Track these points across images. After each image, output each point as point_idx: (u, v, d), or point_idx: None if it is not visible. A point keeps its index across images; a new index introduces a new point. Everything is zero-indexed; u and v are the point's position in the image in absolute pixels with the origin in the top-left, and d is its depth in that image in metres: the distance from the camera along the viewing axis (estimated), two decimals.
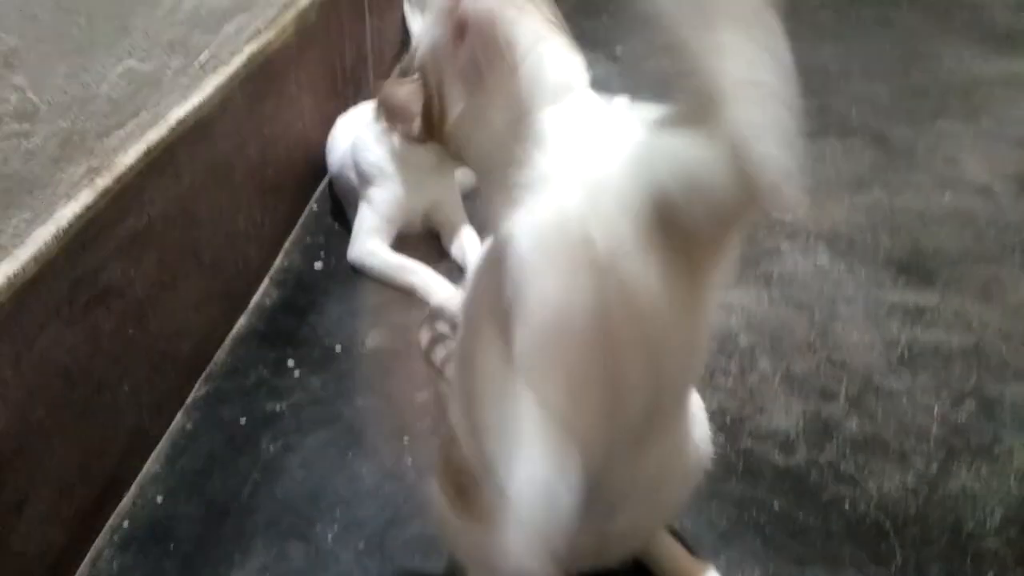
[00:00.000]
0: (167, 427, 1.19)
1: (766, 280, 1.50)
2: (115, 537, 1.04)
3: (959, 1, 2.85)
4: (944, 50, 2.46)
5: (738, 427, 1.20)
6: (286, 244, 1.59)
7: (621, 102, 0.70)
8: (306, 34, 1.61)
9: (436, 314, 1.31)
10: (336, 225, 1.66)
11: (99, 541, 1.04)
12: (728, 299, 1.45)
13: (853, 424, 1.21)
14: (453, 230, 1.57)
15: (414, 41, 2.30)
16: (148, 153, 1.10)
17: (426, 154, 1.44)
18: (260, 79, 1.43)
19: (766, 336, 1.37)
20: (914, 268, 1.53)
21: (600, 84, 2.04)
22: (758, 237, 1.61)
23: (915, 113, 2.10)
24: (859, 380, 1.28)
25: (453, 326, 1.28)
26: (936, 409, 1.24)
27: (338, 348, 1.35)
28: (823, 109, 2.10)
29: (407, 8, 2.32)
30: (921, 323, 1.40)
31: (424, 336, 1.29)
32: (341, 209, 1.67)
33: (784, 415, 1.23)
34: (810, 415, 1.22)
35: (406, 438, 1.17)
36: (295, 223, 1.65)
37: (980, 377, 1.29)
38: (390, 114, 1.41)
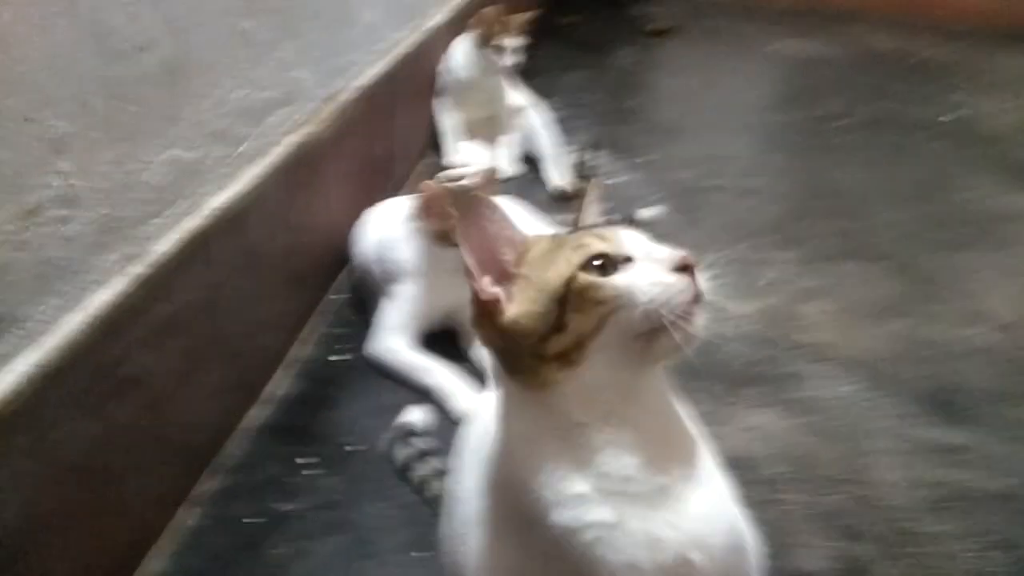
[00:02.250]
0: (166, 524, 1.15)
1: (790, 406, 1.47)
2: None
3: (979, 134, 2.89)
4: (965, 181, 2.48)
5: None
6: (304, 334, 1.57)
7: None
8: (341, 130, 1.62)
9: (407, 430, 1.29)
10: (355, 316, 1.64)
11: None
12: (751, 422, 1.42)
13: (880, 570, 1.16)
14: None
15: (443, 140, 2.34)
16: (183, 241, 1.09)
17: (455, 257, 1.43)
18: (296, 170, 1.43)
19: (791, 466, 1.33)
20: (941, 404, 1.50)
21: (627, 189, 2.04)
22: (779, 358, 1.59)
23: (937, 243, 2.10)
24: (885, 522, 1.24)
25: (428, 441, 1.26)
26: (963, 556, 1.19)
27: (352, 447, 1.31)
28: (845, 233, 2.11)
29: (438, 105, 2.37)
30: (950, 464, 1.36)
31: (400, 453, 1.26)
32: (361, 300, 1.65)
33: (807, 554, 1.18)
34: (836, 556, 1.17)
35: (414, 554, 1.13)
36: (314, 312, 1.63)
37: (1010, 525, 1.25)
38: (426, 213, 1.41)
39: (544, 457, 0.69)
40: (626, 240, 0.72)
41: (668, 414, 0.74)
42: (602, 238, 0.71)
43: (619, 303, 0.67)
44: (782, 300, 1.80)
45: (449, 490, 0.92)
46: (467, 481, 0.85)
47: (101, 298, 0.95)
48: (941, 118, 2.99)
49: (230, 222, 1.21)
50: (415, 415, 1.32)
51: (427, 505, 1.17)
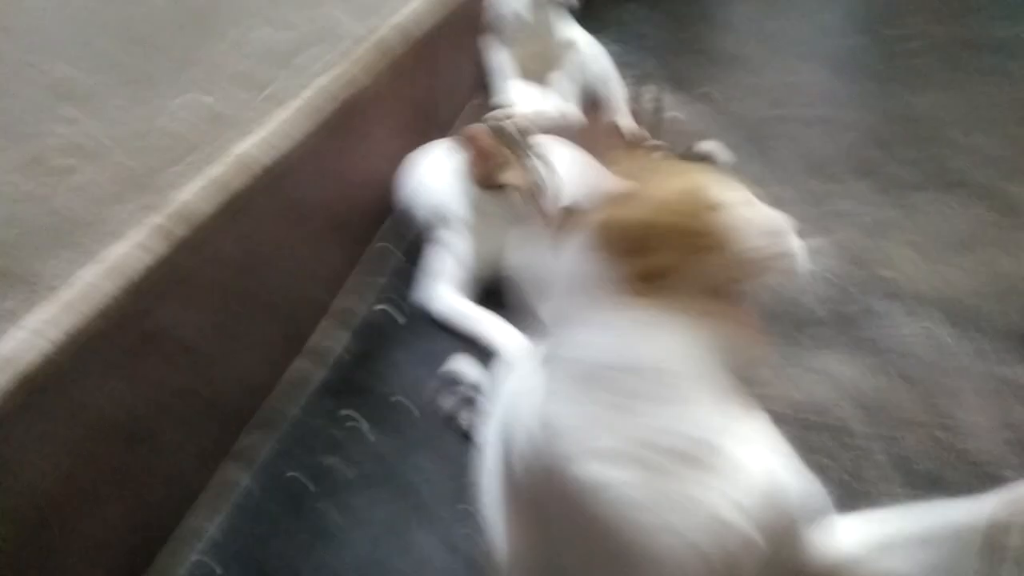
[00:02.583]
0: (209, 480, 1.13)
1: (866, 345, 1.37)
2: None
3: None
4: None
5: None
6: (349, 283, 1.53)
7: None
8: (377, 73, 1.56)
9: (454, 378, 1.23)
10: (402, 265, 1.59)
11: None
12: (823, 363, 1.32)
13: None
14: None
15: (492, 79, 2.25)
16: (212, 192, 1.05)
17: (500, 201, 1.36)
18: (330, 114, 1.38)
19: (866, 409, 1.24)
20: None
21: (688, 122, 1.91)
22: (851, 296, 1.48)
23: (1020, 169, 1.94)
24: (969, 465, 1.14)
25: (475, 388, 1.20)
26: None
27: (396, 399, 1.27)
28: (927, 160, 1.96)
29: (490, 43, 2.27)
30: None
31: (446, 402, 1.21)
32: (409, 249, 1.60)
33: (885, 504, 1.09)
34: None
35: (461, 506, 1.08)
36: (355, 264, 1.59)
37: None
38: (471, 155, 1.34)
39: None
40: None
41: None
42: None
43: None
44: (855, 234, 1.68)
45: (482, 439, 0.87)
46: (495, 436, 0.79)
47: (121, 251, 0.91)
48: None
49: (259, 169, 1.16)
50: (460, 363, 1.27)
51: (475, 452, 1.12)
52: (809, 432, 1.19)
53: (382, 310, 1.48)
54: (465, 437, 1.16)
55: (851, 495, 1.10)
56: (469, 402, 1.19)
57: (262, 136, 1.17)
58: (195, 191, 1.02)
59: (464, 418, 1.18)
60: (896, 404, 1.25)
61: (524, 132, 1.40)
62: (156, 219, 0.96)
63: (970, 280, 1.53)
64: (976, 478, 1.12)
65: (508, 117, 1.95)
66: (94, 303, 0.86)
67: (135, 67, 0.92)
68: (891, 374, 1.31)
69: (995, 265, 1.58)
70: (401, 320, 1.46)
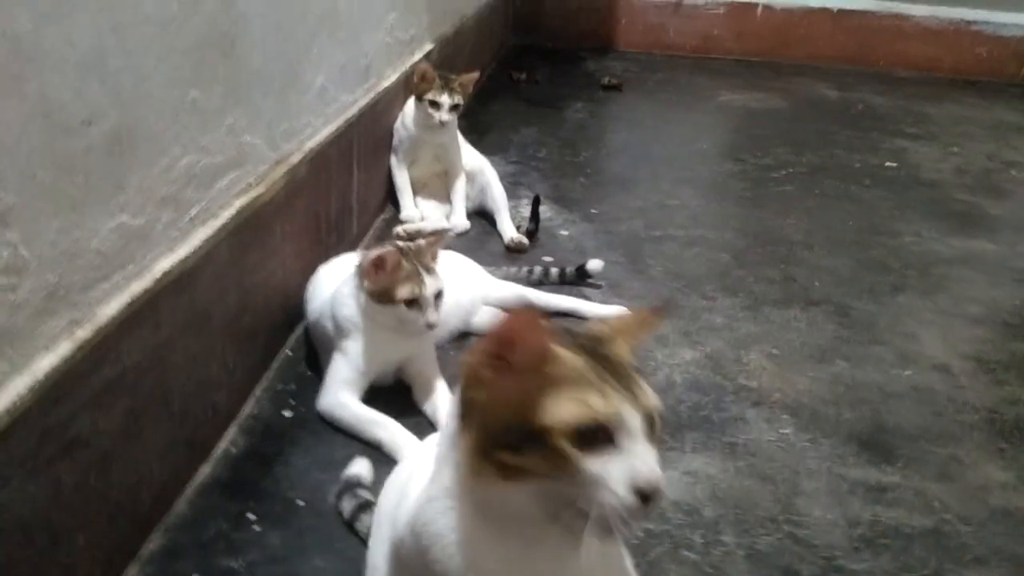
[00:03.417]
0: None
1: (731, 449, 1.52)
2: None
3: (918, 180, 3.01)
4: (903, 227, 2.59)
5: None
6: (256, 391, 1.60)
7: None
8: (294, 187, 1.67)
9: (354, 482, 1.32)
10: (309, 373, 1.67)
11: None
12: (694, 466, 1.46)
13: None
14: (426, 385, 1.59)
15: (399, 196, 2.40)
16: (130, 305, 1.13)
17: (394, 315, 1.48)
18: (247, 231, 1.47)
19: (731, 508, 1.38)
20: (875, 444, 1.56)
21: (577, 240, 2.12)
22: (723, 402, 1.64)
23: (876, 287, 2.19)
24: (821, 560, 1.29)
25: (373, 496, 1.29)
26: None
27: (301, 502, 1.34)
28: (787, 279, 2.19)
29: (393, 161, 2.43)
30: (883, 502, 1.42)
31: (347, 505, 1.29)
32: (316, 357, 1.69)
33: None
34: None
35: None
36: (267, 369, 1.66)
37: (940, 560, 1.30)
38: (373, 271, 1.46)
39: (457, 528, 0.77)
40: (627, 416, 0.69)
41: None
42: (605, 397, 0.69)
43: (581, 483, 0.68)
44: (727, 345, 1.86)
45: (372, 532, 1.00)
46: (382, 527, 0.93)
47: (49, 362, 0.97)
48: (887, 163, 3.11)
49: (178, 284, 1.25)
50: (361, 466, 1.35)
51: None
52: (682, 530, 1.32)
53: (286, 415, 1.55)
54: (363, 540, 1.22)
55: None
56: (368, 506, 1.26)
57: (184, 253, 1.26)
58: (120, 306, 1.10)
59: (363, 521, 1.24)
60: (757, 503, 1.40)
61: (419, 248, 1.53)
62: (80, 332, 1.03)
63: (820, 389, 1.72)
64: (829, 572, 1.27)
65: (405, 233, 2.10)
66: (15, 412, 0.92)
67: (69, 193, 1.00)
68: (753, 476, 1.46)
69: (842, 375, 1.78)
70: (303, 425, 1.53)
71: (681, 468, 1.46)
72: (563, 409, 0.68)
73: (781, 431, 1.58)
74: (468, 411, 0.75)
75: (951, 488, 1.46)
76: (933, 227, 2.60)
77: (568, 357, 0.72)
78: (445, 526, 0.77)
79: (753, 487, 1.43)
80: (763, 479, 1.45)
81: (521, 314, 0.74)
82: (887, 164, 3.15)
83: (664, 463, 0.70)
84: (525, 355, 0.71)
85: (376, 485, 1.31)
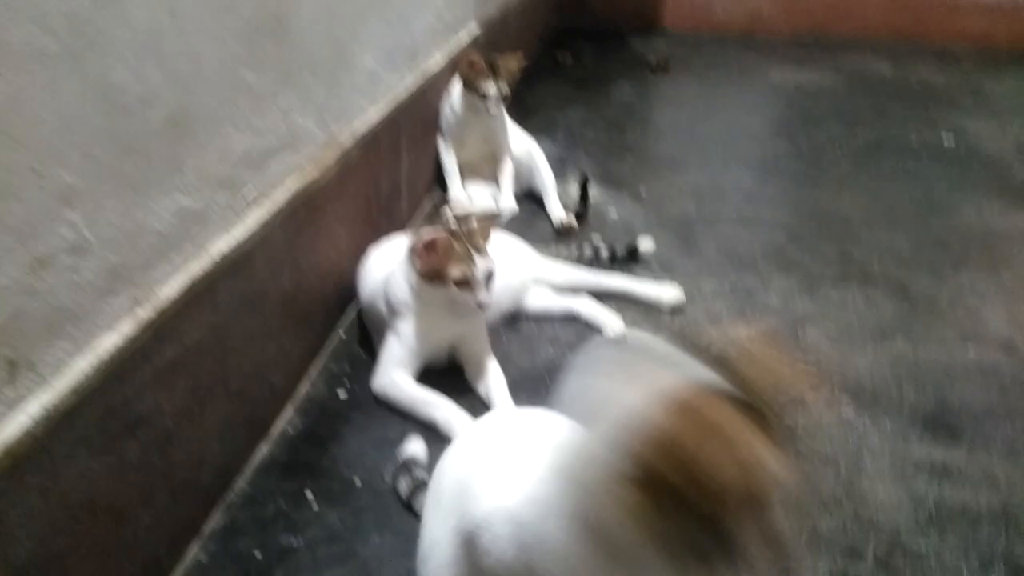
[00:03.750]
0: (180, 559, 1.18)
1: (789, 432, 1.49)
2: None
3: (977, 156, 2.93)
4: (963, 203, 2.51)
5: None
6: (311, 372, 1.61)
7: None
8: (345, 169, 1.68)
9: (411, 463, 1.32)
10: (363, 354, 1.68)
11: None
12: None
13: None
14: (478, 365, 1.58)
15: (446, 177, 2.39)
16: (190, 286, 1.14)
17: (445, 295, 1.48)
18: (300, 213, 1.48)
19: (790, 492, 1.35)
20: (940, 423, 1.52)
21: (627, 221, 2.09)
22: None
23: (936, 264, 2.13)
24: (886, 540, 1.26)
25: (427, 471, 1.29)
26: (965, 573, 1.20)
27: (358, 481, 1.34)
28: (845, 257, 2.14)
29: (440, 143, 2.42)
30: (948, 481, 1.38)
31: (403, 485, 1.29)
32: (369, 338, 1.70)
33: None
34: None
35: None
36: (321, 350, 1.67)
37: (1009, 540, 1.26)
38: (423, 252, 1.47)
39: None
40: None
41: None
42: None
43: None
44: (783, 324, 1.83)
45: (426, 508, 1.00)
46: (441, 505, 0.94)
47: (112, 341, 0.99)
48: (944, 143, 3.02)
49: (235, 265, 1.26)
50: (416, 446, 1.35)
51: None
52: None
53: (341, 396, 1.56)
54: (419, 518, 1.23)
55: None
56: (424, 485, 1.26)
57: (239, 234, 1.27)
58: (180, 287, 1.11)
59: (420, 500, 1.25)
60: (826, 483, 1.37)
61: (470, 230, 1.52)
62: (141, 312, 1.04)
63: (880, 368, 1.68)
64: (894, 551, 1.24)
65: (456, 215, 2.09)
66: (80, 391, 0.93)
67: (129, 174, 1.01)
68: (821, 455, 1.43)
69: (903, 354, 1.73)
70: (358, 406, 1.54)
71: None
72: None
73: (842, 413, 1.54)
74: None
75: (1018, 467, 1.42)
76: (994, 203, 2.52)
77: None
78: (562, 550, 0.75)
79: (816, 467, 1.40)
80: (824, 460, 1.42)
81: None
82: (945, 141, 3.06)
83: None
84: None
85: (431, 464, 1.31)
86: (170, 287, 1.11)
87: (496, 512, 0.84)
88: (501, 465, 0.88)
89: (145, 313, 1.05)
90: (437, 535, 0.94)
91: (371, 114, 1.85)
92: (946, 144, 3.03)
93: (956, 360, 1.72)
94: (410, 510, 1.26)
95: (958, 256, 2.18)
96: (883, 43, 4.30)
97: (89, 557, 0.97)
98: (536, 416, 0.93)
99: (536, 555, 0.78)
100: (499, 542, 0.83)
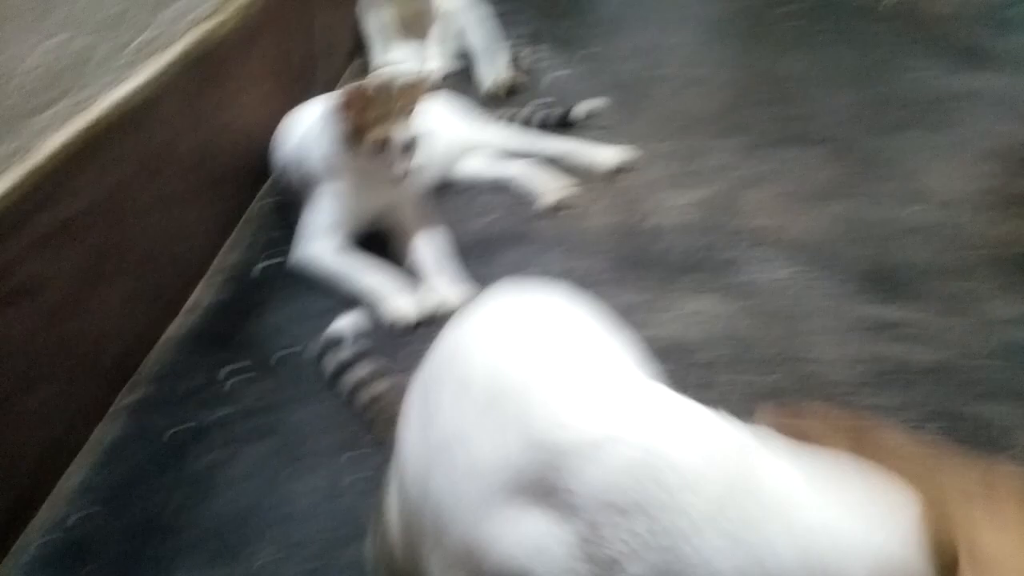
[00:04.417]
0: (86, 438, 1.10)
1: (730, 290, 1.45)
2: (23, 559, 0.95)
3: (921, 16, 2.84)
4: (906, 63, 2.45)
5: None
6: (227, 243, 1.51)
7: None
8: (252, 26, 1.53)
9: (335, 339, 1.24)
10: (281, 225, 1.57)
11: (5, 564, 0.94)
12: (690, 308, 1.39)
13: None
14: (407, 235, 1.49)
15: (370, 41, 2.23)
16: (75, 139, 1.02)
17: (370, 157, 1.37)
18: (202, 68, 1.35)
19: (730, 349, 1.32)
20: (881, 281, 1.49)
21: (571, 83, 1.96)
22: (719, 244, 1.57)
23: (878, 125, 2.07)
24: (826, 396, 1.24)
25: (357, 351, 1.21)
26: (906, 427, 1.19)
27: (276, 356, 1.27)
28: (787, 118, 2.07)
29: (360, 7, 2.25)
30: (888, 338, 1.36)
31: (329, 363, 1.21)
32: (287, 208, 1.59)
33: None
34: None
35: (347, 454, 1.09)
36: (237, 221, 1.56)
37: (947, 395, 1.25)
38: (346, 109, 1.34)
39: None
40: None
41: None
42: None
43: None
44: (724, 187, 1.77)
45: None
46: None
47: None
48: (883, 2, 2.94)
49: (129, 119, 1.13)
50: (343, 323, 1.27)
51: (356, 415, 1.14)
52: (687, 369, 1.26)
53: (263, 267, 1.47)
54: (348, 400, 1.16)
55: None
56: (351, 363, 1.19)
57: (133, 87, 1.13)
58: (63, 140, 0.99)
59: (348, 379, 1.18)
60: (758, 343, 1.33)
61: (395, 91, 1.40)
62: (19, 167, 0.92)
63: (829, 228, 1.64)
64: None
65: (387, 76, 1.96)
66: None
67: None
68: (754, 316, 1.40)
69: (846, 214, 1.69)
70: (278, 278, 1.45)
71: (677, 311, 1.40)
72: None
73: (781, 272, 1.50)
74: None
75: (957, 323, 1.40)
76: (936, 65, 2.45)
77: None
78: None
79: (753, 327, 1.37)
80: (764, 319, 1.39)
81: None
82: (887, 1, 2.97)
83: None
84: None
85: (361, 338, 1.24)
86: (53, 139, 0.98)
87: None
88: (569, 377, 0.65)
89: (23, 168, 0.93)
90: (471, 432, 0.67)
91: None
92: (886, 2, 2.95)
93: (898, 219, 1.68)
94: (333, 388, 1.19)
95: (900, 117, 2.12)
96: None
97: None
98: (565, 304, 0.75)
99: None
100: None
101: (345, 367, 1.19)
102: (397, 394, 1.11)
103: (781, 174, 1.83)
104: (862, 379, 1.27)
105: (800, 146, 1.95)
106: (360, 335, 1.25)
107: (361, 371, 1.17)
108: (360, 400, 1.14)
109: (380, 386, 1.14)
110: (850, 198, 1.75)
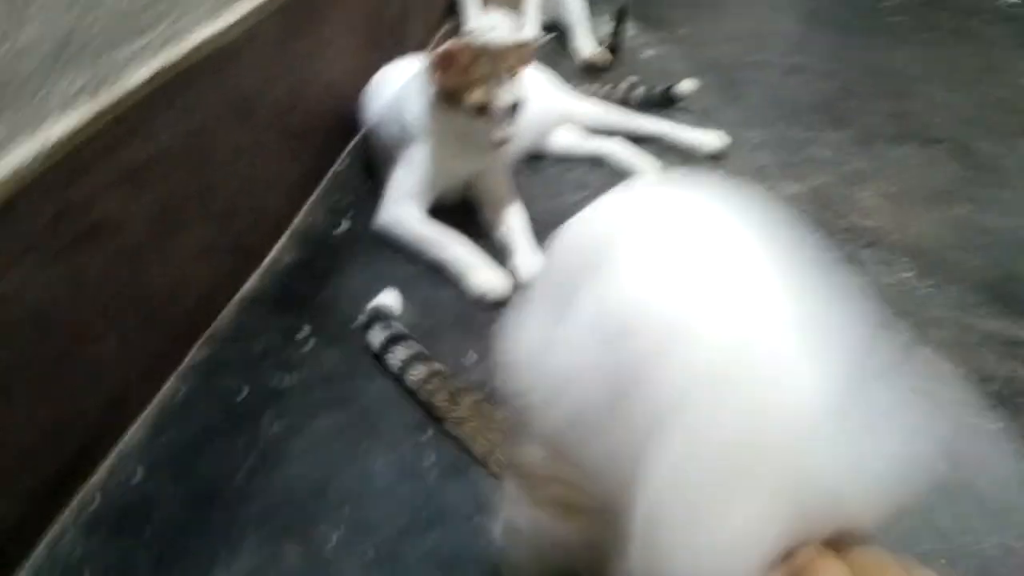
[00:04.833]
0: (156, 392, 1.03)
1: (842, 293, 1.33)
2: (82, 516, 0.89)
3: None
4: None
5: None
6: (311, 200, 1.43)
7: None
8: None
9: (383, 313, 1.15)
10: (368, 185, 1.50)
11: (62, 520, 0.88)
12: None
13: (943, 468, 1.04)
14: (497, 206, 1.40)
15: (462, 5, 2.15)
16: (162, 73, 0.94)
17: (466, 120, 1.28)
18: (295, 12, 1.27)
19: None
20: (1008, 294, 1.36)
21: (664, 62, 1.83)
22: (831, 241, 1.44)
23: (999, 127, 1.92)
24: (951, 420, 1.11)
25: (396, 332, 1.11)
26: None
27: (355, 323, 1.19)
28: (898, 114, 1.94)
29: None
30: (1019, 358, 1.23)
31: (376, 337, 1.12)
32: (374, 168, 1.51)
33: None
34: None
35: (429, 431, 1.01)
36: (322, 178, 1.49)
37: None
38: (442, 67, 1.25)
39: None
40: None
41: None
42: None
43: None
44: (833, 181, 1.64)
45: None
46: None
47: (63, 127, 0.80)
48: (1003, 1, 2.76)
49: (217, 60, 1.06)
50: (389, 296, 1.18)
51: (408, 394, 1.05)
52: None
53: (342, 228, 1.39)
54: (393, 374, 1.08)
55: None
56: (396, 339, 1.11)
57: (224, 24, 1.06)
58: (148, 74, 0.92)
59: (395, 353, 1.09)
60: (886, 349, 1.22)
61: (500, 51, 1.31)
62: (100, 98, 0.85)
63: (943, 232, 1.51)
64: (955, 431, 1.10)
65: (490, 37, 1.86)
66: (21, 179, 0.76)
67: None
68: (869, 323, 1.28)
69: (967, 219, 1.56)
70: (361, 240, 1.37)
71: None
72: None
73: (901, 275, 1.38)
74: None
75: None
76: None
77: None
78: None
79: (872, 333, 1.25)
80: (882, 325, 1.27)
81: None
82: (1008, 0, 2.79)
83: None
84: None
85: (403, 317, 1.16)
86: (138, 73, 0.91)
87: None
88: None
89: (107, 99, 0.86)
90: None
91: None
92: (1006, 1, 2.77)
93: (1019, 228, 1.55)
94: (382, 363, 1.11)
95: (1021, 123, 1.97)
96: None
97: (38, 379, 0.82)
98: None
99: None
100: None
101: (393, 342, 1.10)
102: (446, 380, 1.03)
103: (893, 172, 1.70)
104: (994, 400, 1.15)
105: (913, 144, 1.81)
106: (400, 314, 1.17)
107: (401, 354, 1.08)
108: (410, 379, 1.05)
109: (424, 369, 1.05)
110: (969, 203, 1.62)
